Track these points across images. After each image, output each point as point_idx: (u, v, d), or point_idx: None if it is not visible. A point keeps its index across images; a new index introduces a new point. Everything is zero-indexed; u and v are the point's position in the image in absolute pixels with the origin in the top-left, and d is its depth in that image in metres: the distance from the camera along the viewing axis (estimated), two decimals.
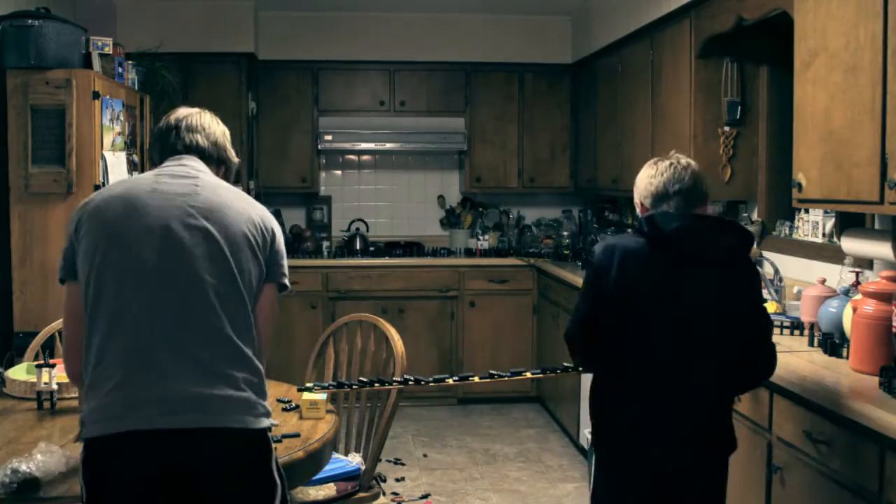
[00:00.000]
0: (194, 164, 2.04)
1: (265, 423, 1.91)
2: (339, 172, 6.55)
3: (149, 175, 2.02)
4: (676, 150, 2.36)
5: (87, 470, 1.81)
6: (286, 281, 2.05)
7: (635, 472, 2.30)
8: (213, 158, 2.11)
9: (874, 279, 2.82)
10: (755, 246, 4.04)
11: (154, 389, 1.80)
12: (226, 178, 2.12)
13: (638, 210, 2.42)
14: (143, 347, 1.82)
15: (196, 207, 1.91)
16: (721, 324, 2.26)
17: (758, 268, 2.42)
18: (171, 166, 2.03)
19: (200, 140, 2.10)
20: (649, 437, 2.25)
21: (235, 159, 2.19)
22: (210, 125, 2.15)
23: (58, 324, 3.25)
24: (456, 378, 2.85)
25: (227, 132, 2.20)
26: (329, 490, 2.86)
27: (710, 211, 2.46)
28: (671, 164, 2.37)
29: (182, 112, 2.16)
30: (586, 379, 4.58)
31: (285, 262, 2.07)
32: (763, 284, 3.69)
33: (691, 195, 2.33)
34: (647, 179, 2.38)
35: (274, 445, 1.97)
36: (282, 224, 6.21)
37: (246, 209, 1.99)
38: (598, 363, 2.37)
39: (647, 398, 2.25)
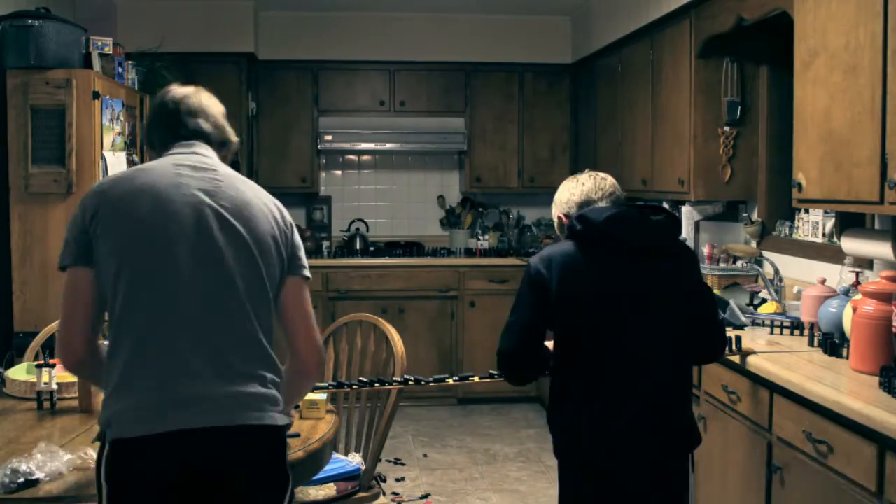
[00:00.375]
0: (206, 153, 1.99)
1: (286, 420, 1.93)
2: (339, 172, 6.55)
3: (167, 165, 1.93)
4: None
5: (111, 471, 1.77)
6: (307, 273, 2.01)
7: (602, 472, 2.26)
8: (216, 142, 2.05)
9: (874, 279, 2.82)
10: (755, 246, 4.04)
11: (191, 390, 1.79)
12: (225, 159, 2.08)
13: (560, 223, 2.44)
14: (179, 351, 1.80)
15: (225, 207, 1.88)
16: (672, 307, 2.27)
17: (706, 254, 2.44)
18: (186, 155, 1.97)
19: (204, 124, 2.03)
20: (615, 435, 2.23)
21: (235, 139, 2.13)
22: (210, 106, 2.07)
23: (58, 324, 3.25)
24: (456, 378, 2.86)
25: (223, 109, 2.13)
26: (329, 490, 2.86)
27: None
28: (591, 175, 2.43)
29: (179, 92, 2.06)
30: None
31: (303, 254, 2.03)
32: (763, 284, 3.70)
33: (618, 200, 2.39)
34: (569, 192, 2.42)
35: (288, 441, 2.00)
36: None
37: (267, 205, 1.96)
38: (556, 372, 2.34)
39: (612, 398, 2.23)
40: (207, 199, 1.87)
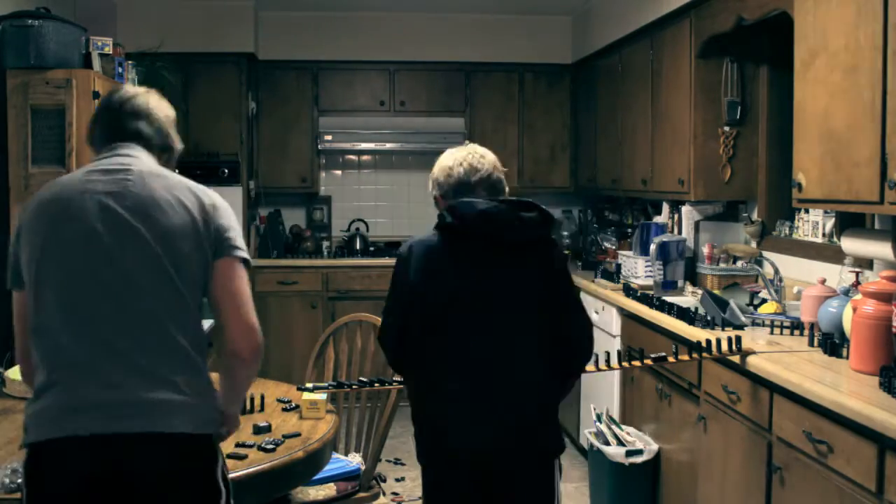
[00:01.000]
0: (134, 154, 1.94)
1: (208, 429, 1.84)
2: (339, 172, 6.55)
3: (79, 172, 1.94)
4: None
5: (27, 475, 1.79)
6: (240, 254, 1.91)
7: (457, 475, 2.23)
8: (157, 146, 2.00)
9: (874, 279, 2.81)
10: (755, 246, 4.04)
11: (94, 395, 1.76)
12: (168, 165, 2.02)
13: (439, 205, 2.39)
14: (83, 355, 1.79)
15: (127, 208, 1.84)
16: (529, 309, 2.24)
17: (562, 251, 2.39)
18: (106, 158, 1.94)
19: (144, 128, 1.98)
20: (470, 438, 2.20)
21: (179, 146, 2.08)
22: (155, 109, 2.01)
23: None
24: None
25: (173, 115, 2.07)
26: (329, 490, 2.86)
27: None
28: (470, 153, 2.37)
29: (125, 93, 2.01)
30: (586, 379, 4.58)
31: (234, 234, 1.92)
32: (763, 284, 3.69)
33: (494, 186, 2.34)
34: (446, 172, 2.37)
35: (221, 453, 1.90)
36: (281, 224, 6.21)
37: (178, 196, 1.89)
38: (412, 367, 2.32)
39: (466, 398, 2.20)
40: (110, 202, 1.84)
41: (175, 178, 1.94)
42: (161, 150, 2.01)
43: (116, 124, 1.98)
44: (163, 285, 1.83)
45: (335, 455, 2.90)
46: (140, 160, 1.94)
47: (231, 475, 2.02)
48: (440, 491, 2.28)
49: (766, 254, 3.89)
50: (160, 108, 2.03)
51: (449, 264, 2.22)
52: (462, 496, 2.23)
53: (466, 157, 2.36)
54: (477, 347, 2.20)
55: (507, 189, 2.39)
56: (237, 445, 2.31)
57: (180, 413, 1.79)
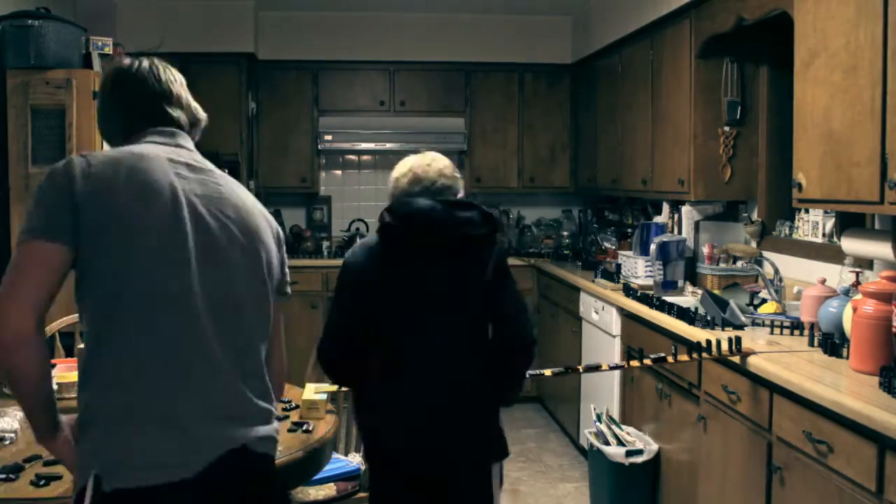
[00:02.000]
0: (184, 143, 1.80)
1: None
2: (339, 172, 6.55)
3: (161, 157, 1.69)
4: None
5: None
6: (289, 295, 1.94)
7: (395, 477, 2.24)
8: (189, 127, 1.86)
9: (874, 279, 2.81)
10: (755, 246, 4.04)
11: (213, 429, 1.63)
12: (195, 139, 1.88)
13: None
14: (196, 380, 1.62)
15: (232, 220, 1.71)
16: (462, 309, 2.23)
17: (502, 252, 2.36)
18: (173, 149, 1.75)
19: (179, 112, 1.83)
20: (403, 440, 2.20)
21: (203, 115, 1.90)
22: (176, 81, 1.84)
23: (58, 324, 3.25)
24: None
25: (181, 76, 1.88)
26: (329, 490, 2.86)
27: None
28: (420, 158, 2.37)
29: (141, 67, 1.79)
30: (586, 379, 4.58)
31: (288, 270, 1.92)
32: (763, 284, 3.69)
33: (441, 194, 2.31)
34: (395, 179, 2.39)
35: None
36: (281, 224, 6.21)
37: (266, 217, 1.82)
38: (349, 369, 2.29)
39: (399, 400, 2.20)
40: (213, 208, 1.69)
41: (249, 193, 1.85)
42: (192, 127, 1.88)
43: (156, 108, 1.79)
44: (264, 307, 1.78)
45: (335, 455, 2.90)
46: (196, 153, 1.81)
47: None
48: (381, 491, 2.28)
49: (766, 254, 3.89)
50: (176, 76, 1.85)
51: (385, 264, 2.24)
52: (400, 497, 2.24)
53: (413, 166, 2.36)
54: (410, 348, 2.20)
55: (459, 193, 2.36)
56: None
57: (270, 440, 1.78)
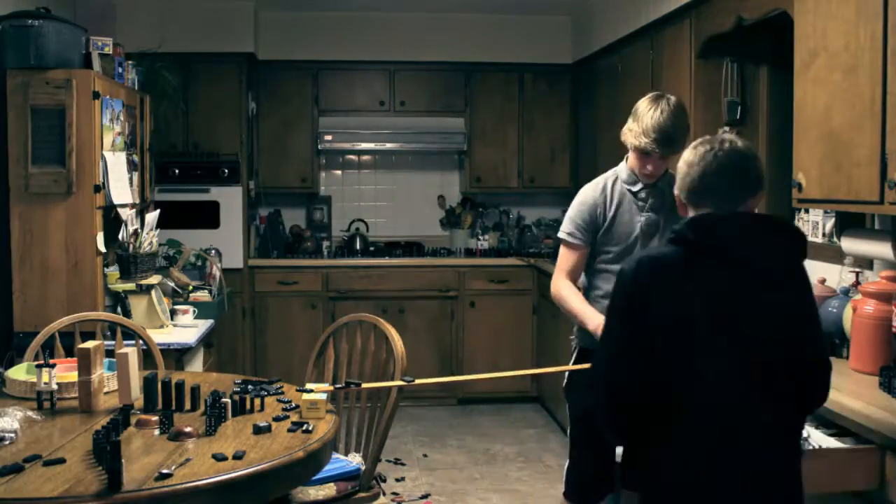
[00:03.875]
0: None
1: None
2: (339, 172, 6.55)
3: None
4: None
5: None
6: None
7: None
8: None
9: (874, 279, 2.81)
10: None
11: None
12: None
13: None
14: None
15: None
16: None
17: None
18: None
19: None
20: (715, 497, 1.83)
21: None
22: None
23: (57, 324, 3.25)
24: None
25: None
26: (329, 490, 2.86)
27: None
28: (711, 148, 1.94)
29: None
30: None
31: None
32: None
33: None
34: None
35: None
36: (281, 224, 6.21)
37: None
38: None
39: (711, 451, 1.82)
40: None
41: None
42: None
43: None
44: None
45: (335, 455, 2.90)
46: None
47: (231, 475, 2.03)
48: None
49: None
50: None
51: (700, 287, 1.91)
52: None
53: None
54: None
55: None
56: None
57: None
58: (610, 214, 2.99)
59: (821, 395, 1.99)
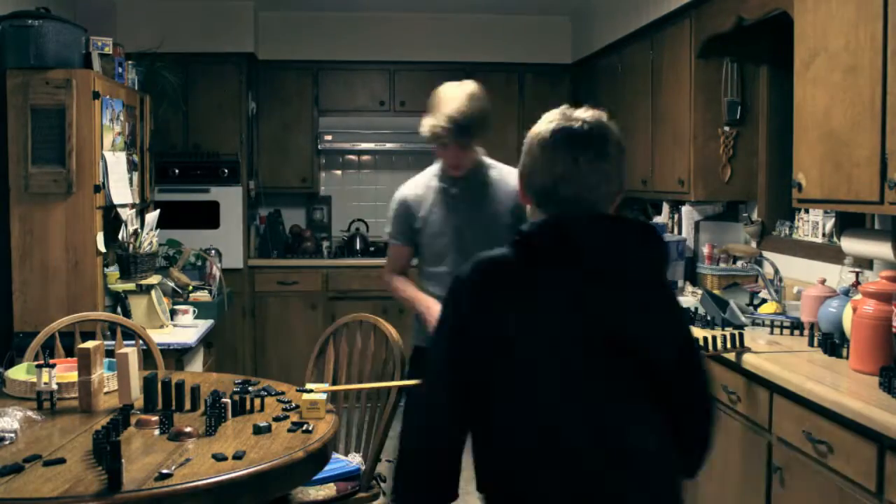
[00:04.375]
0: None
1: None
2: (339, 172, 6.55)
3: None
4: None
5: None
6: None
7: None
8: None
9: (874, 279, 2.82)
10: (755, 246, 4.04)
11: None
12: None
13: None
14: None
15: None
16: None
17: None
18: None
19: None
20: None
21: None
22: None
23: (57, 324, 3.25)
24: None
25: None
26: (329, 490, 2.86)
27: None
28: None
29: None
30: None
31: None
32: (763, 284, 3.69)
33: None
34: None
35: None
36: (281, 224, 6.21)
37: None
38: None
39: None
40: None
41: None
42: None
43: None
44: None
45: (335, 455, 2.90)
46: None
47: (231, 475, 2.03)
48: None
49: (766, 254, 3.89)
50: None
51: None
52: None
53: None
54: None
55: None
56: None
57: None
58: (422, 214, 2.90)
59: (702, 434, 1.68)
